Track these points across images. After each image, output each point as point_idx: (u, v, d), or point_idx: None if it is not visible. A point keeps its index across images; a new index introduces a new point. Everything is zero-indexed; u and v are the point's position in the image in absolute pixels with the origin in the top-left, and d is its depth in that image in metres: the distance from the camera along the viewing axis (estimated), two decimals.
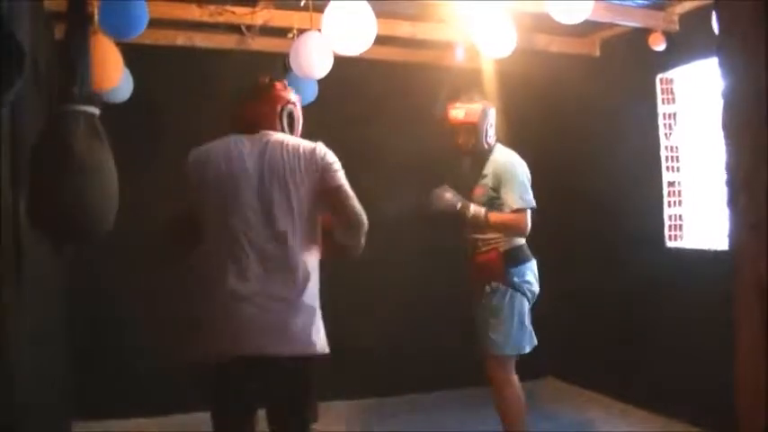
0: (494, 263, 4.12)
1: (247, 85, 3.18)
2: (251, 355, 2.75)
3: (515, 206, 4.08)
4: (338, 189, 2.91)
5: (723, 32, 1.12)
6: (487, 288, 4.12)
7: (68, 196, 2.66)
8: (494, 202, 4.14)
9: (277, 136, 2.98)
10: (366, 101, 5.62)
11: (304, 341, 2.80)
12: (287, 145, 2.93)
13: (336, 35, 3.77)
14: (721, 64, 1.15)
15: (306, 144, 2.95)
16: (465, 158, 4.35)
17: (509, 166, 4.19)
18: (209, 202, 2.89)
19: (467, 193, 4.19)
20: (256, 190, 2.85)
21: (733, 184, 1.13)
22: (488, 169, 4.20)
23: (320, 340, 2.86)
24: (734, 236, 1.15)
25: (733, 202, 1.14)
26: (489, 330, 4.09)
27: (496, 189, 4.14)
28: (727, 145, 1.17)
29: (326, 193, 2.90)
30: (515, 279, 4.11)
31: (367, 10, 3.69)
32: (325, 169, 2.90)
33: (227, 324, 2.77)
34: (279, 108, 3.06)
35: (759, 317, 1.01)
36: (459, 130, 4.22)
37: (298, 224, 2.85)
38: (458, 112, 4.21)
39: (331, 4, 3.71)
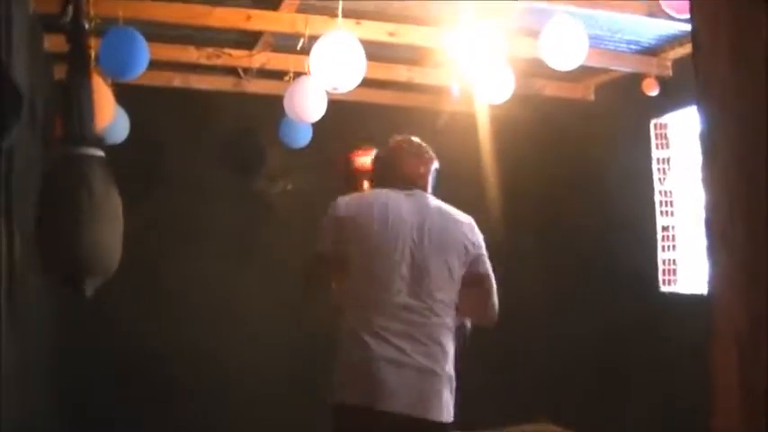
0: None
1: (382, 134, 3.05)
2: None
3: None
4: (485, 278, 2.84)
5: (701, 86, 1.14)
6: None
7: (90, 239, 2.66)
8: None
9: (434, 200, 2.90)
10: (362, 144, 5.65)
11: None
12: (446, 212, 2.86)
13: (325, 73, 3.67)
14: (700, 118, 1.17)
15: (462, 217, 2.88)
16: None
17: None
18: (359, 255, 2.74)
19: None
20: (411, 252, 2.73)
21: (710, 235, 1.15)
22: None
23: None
24: (711, 286, 1.17)
25: (710, 253, 1.16)
26: None
27: None
28: (706, 197, 1.18)
29: (471, 278, 2.81)
30: None
31: (356, 47, 3.62)
32: (479, 253, 2.83)
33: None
34: (432, 168, 2.96)
35: (733, 367, 1.02)
36: (363, 177, 3.93)
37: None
38: (366, 159, 3.94)
39: (319, 40, 3.64)
